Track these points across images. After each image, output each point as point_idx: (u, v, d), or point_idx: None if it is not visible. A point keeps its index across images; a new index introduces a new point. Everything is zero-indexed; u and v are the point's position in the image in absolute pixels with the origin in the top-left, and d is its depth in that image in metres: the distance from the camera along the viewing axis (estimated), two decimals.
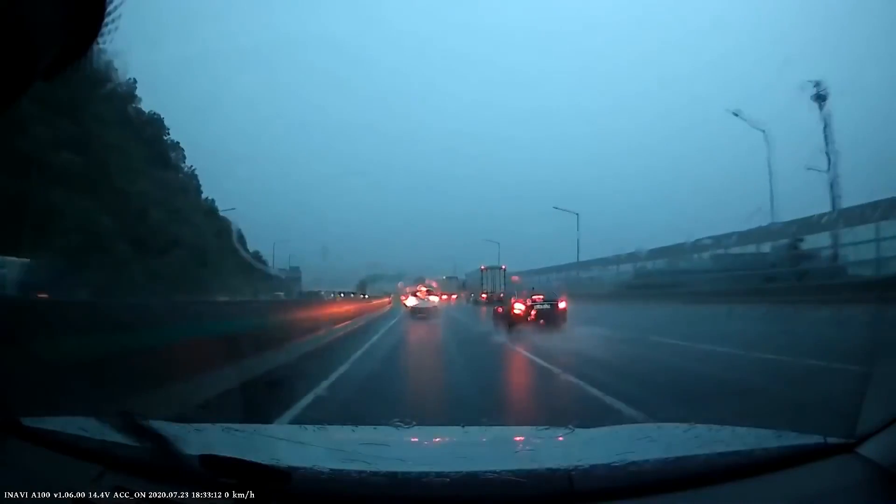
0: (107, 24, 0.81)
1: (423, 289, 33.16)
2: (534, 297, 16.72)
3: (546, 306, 16.13)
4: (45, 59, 0.78)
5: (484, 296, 35.59)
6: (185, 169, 36.17)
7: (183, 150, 34.83)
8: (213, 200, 37.83)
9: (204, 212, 34.63)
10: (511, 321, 15.39)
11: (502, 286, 34.70)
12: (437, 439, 2.33)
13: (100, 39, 0.82)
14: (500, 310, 18.12)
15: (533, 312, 15.92)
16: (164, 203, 25.84)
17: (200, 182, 37.42)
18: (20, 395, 2.32)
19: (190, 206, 31.79)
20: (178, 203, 28.01)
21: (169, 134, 34.07)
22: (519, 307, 16.31)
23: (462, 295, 44.10)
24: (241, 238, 38.32)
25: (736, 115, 29.46)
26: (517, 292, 18.88)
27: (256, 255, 40.26)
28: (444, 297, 41.14)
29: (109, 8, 0.80)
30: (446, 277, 46.09)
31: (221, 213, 36.00)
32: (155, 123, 32.23)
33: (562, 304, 16.54)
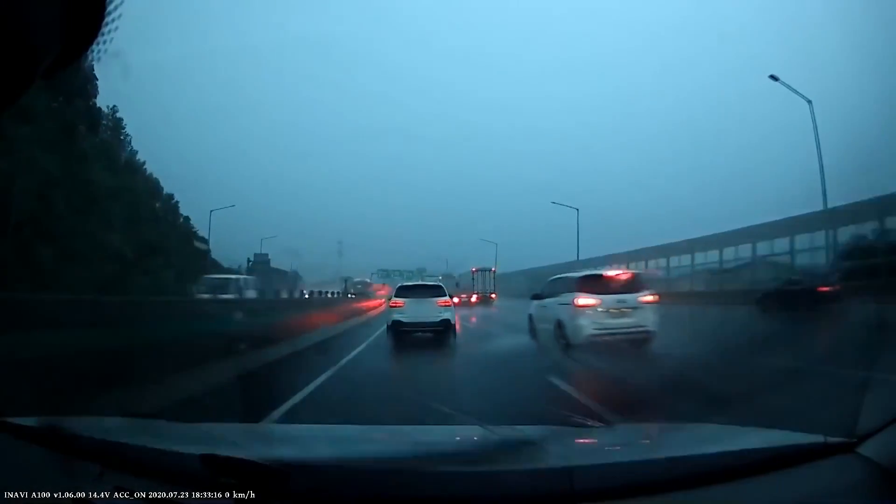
0: (107, 24, 0.81)
1: (424, 281, 16.78)
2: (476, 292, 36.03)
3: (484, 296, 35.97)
4: (46, 59, 0.78)
5: (474, 298, 32.76)
6: (103, 108, 27.46)
7: (97, 79, 25.89)
8: (135, 152, 29.53)
9: (114, 165, 25.43)
10: (470, 303, 32.96)
11: (493, 287, 37.24)
12: (437, 438, 2.33)
13: (100, 39, 0.83)
14: (463, 298, 32.59)
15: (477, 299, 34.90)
16: None
17: (131, 138, 29.21)
18: None
19: (62, 136, 19.85)
20: (22, 132, 16.16)
21: (92, 63, 29.10)
22: (473, 298, 34.65)
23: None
24: (169, 207, 30.87)
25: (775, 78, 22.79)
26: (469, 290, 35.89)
27: (198, 239, 32.08)
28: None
29: (109, 8, 0.80)
30: (442, 276, 43.03)
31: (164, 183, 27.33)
32: None
33: (493, 295, 36.11)
